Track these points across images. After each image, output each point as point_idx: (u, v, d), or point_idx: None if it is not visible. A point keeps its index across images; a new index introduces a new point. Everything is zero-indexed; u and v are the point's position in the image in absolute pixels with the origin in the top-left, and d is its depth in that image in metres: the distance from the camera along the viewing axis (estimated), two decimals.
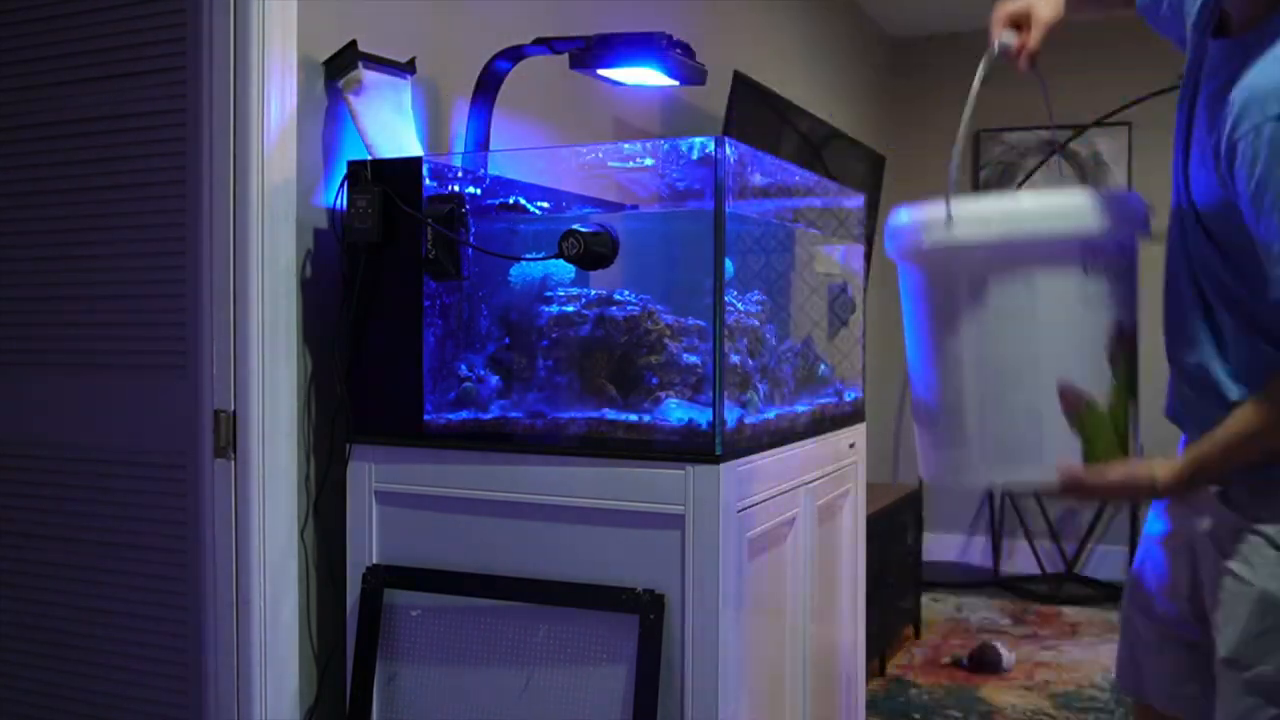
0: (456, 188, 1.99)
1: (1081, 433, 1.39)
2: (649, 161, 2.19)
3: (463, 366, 1.99)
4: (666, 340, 1.89)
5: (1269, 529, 1.43)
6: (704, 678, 1.73)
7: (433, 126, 2.36)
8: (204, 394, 1.95)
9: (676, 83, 2.20)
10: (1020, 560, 5.22)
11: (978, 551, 5.36)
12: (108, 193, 2.06)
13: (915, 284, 1.50)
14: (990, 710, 3.46)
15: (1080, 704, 3.50)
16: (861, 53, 5.16)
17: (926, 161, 4.04)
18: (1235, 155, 1.30)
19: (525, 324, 2.00)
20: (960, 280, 1.43)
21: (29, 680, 2.17)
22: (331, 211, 2.06)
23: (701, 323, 1.88)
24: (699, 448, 1.74)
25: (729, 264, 1.80)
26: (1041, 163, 5.05)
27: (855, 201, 2.59)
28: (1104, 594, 4.79)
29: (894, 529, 3.81)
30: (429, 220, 1.89)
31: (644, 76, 2.21)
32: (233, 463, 1.93)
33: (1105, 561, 5.08)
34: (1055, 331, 1.40)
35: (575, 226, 1.81)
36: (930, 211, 1.43)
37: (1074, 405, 1.39)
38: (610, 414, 1.84)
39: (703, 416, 1.77)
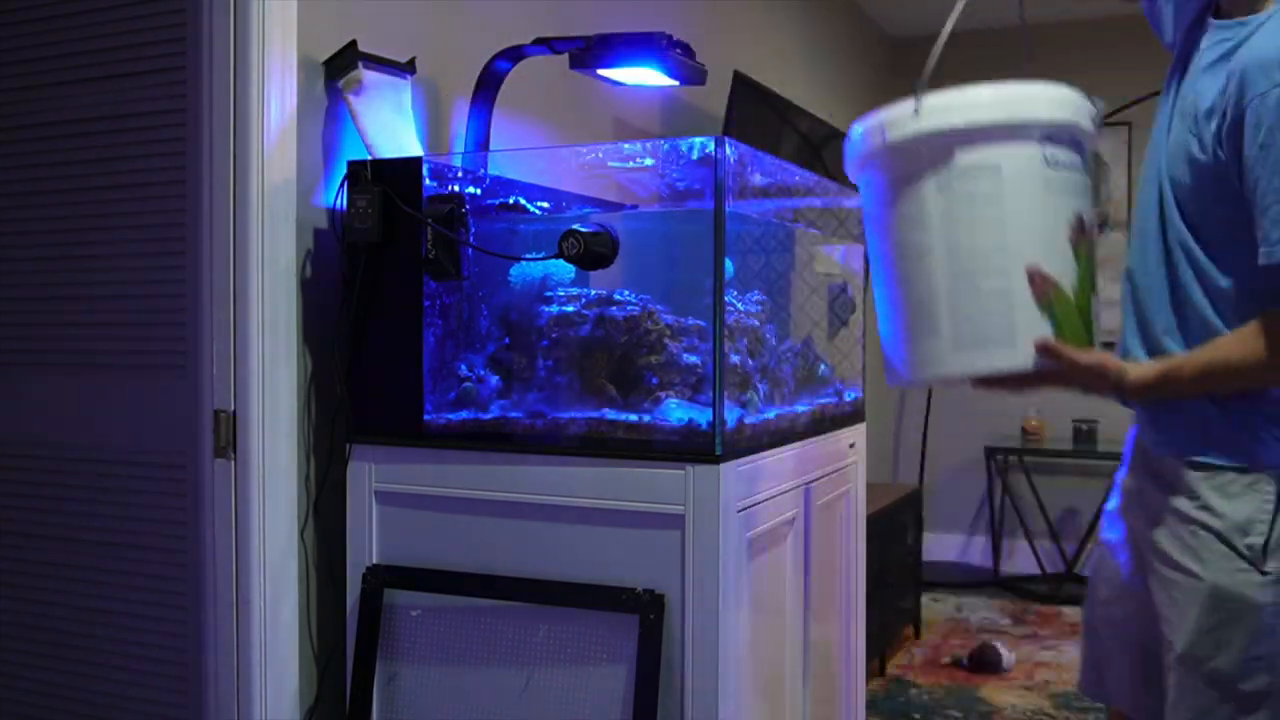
0: (456, 188, 1.99)
1: (1051, 317, 1.42)
2: (649, 161, 2.19)
3: (463, 366, 1.99)
4: (666, 340, 1.89)
5: (1217, 524, 1.47)
6: (704, 678, 1.73)
7: (433, 126, 2.36)
8: (204, 394, 1.95)
9: (676, 83, 2.20)
10: (1020, 560, 5.23)
11: (978, 551, 5.36)
12: (108, 193, 2.06)
13: (880, 188, 1.53)
14: (990, 710, 3.46)
15: (1080, 704, 3.50)
16: (861, 53, 5.16)
17: None
18: (1242, 121, 1.35)
19: (525, 324, 2.00)
20: (927, 171, 1.45)
21: (29, 680, 2.17)
22: (331, 211, 2.06)
23: (701, 323, 1.88)
24: (699, 448, 1.74)
25: (729, 264, 1.80)
26: None
27: (855, 201, 2.59)
28: None
29: (894, 529, 3.81)
30: (429, 220, 1.90)
31: (644, 76, 2.21)
32: (233, 463, 1.93)
33: None
34: (1022, 218, 1.43)
35: (575, 226, 1.81)
36: (892, 110, 1.47)
37: (1043, 290, 1.42)
38: (610, 414, 1.84)
39: (703, 416, 1.77)
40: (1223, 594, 1.46)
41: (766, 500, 1.90)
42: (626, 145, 2.36)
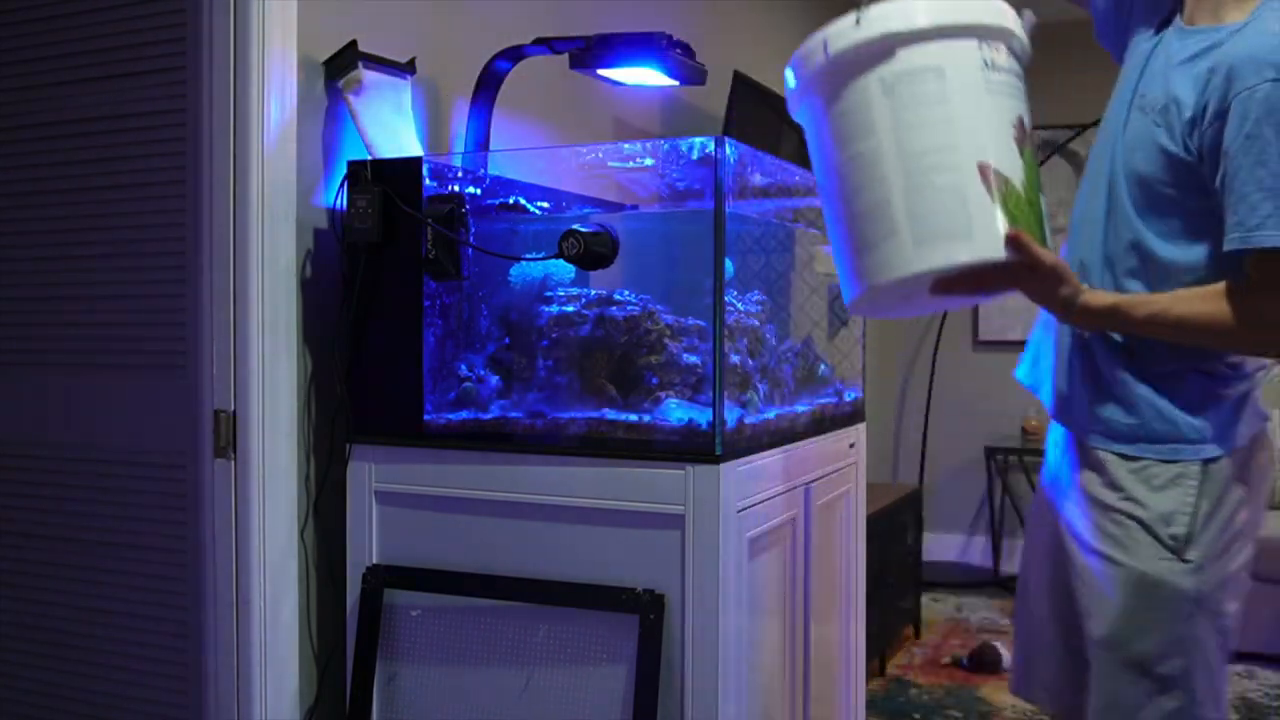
0: (456, 188, 1.99)
1: (1006, 212, 1.44)
2: (649, 161, 2.19)
3: (463, 366, 1.99)
4: (666, 340, 1.89)
5: (1141, 513, 1.53)
6: (704, 678, 1.73)
7: (433, 126, 2.36)
8: (204, 394, 1.95)
9: (676, 83, 2.20)
10: (1020, 560, 5.22)
11: (978, 551, 5.36)
12: (108, 193, 2.06)
13: (825, 108, 1.55)
14: (990, 710, 3.46)
15: None
16: None
17: None
18: (1226, 113, 1.40)
19: (525, 324, 2.00)
20: (871, 79, 1.48)
21: (29, 680, 2.17)
22: (331, 211, 2.06)
23: (701, 323, 1.88)
24: (699, 448, 1.74)
25: (729, 264, 1.80)
26: (1041, 162, 5.06)
27: None
28: None
29: (894, 529, 3.81)
30: (429, 220, 1.90)
31: (644, 76, 2.21)
32: (233, 463, 1.93)
33: None
34: (968, 117, 1.46)
35: (575, 226, 1.81)
36: (833, 26, 1.51)
37: (995, 183, 1.44)
38: (610, 414, 1.84)
39: (703, 416, 1.77)
40: (1146, 581, 1.52)
41: (766, 500, 1.90)
42: (626, 145, 2.36)
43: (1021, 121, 1.51)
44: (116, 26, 2.04)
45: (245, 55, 1.90)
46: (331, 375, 2.02)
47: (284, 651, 1.97)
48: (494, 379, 1.98)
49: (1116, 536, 1.55)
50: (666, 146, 2.24)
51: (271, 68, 1.92)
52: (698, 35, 2.58)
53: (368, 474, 1.96)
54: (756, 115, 3.51)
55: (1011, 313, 5.08)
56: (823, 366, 2.35)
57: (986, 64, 1.47)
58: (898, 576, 3.85)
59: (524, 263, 2.03)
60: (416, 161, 1.95)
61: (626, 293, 1.94)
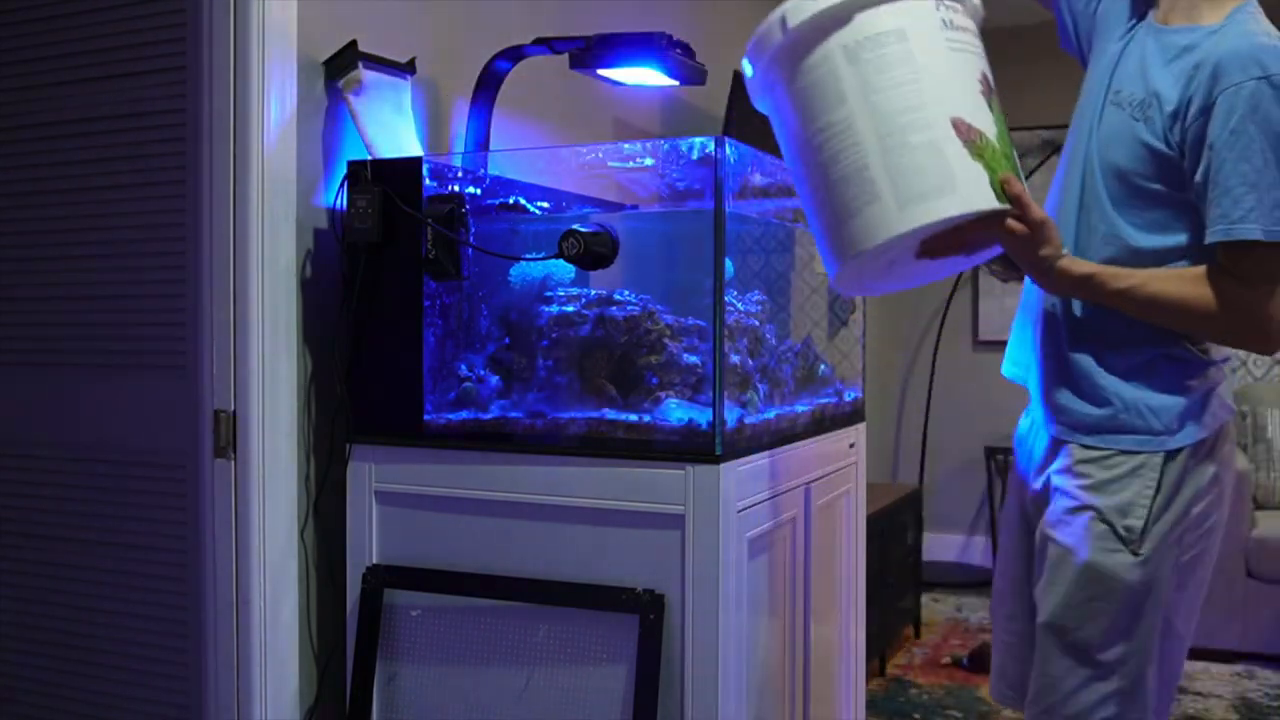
0: (456, 188, 1.99)
1: (983, 162, 1.45)
2: (649, 161, 2.19)
3: (463, 366, 1.99)
4: (666, 340, 1.89)
5: (1100, 503, 1.56)
6: (704, 678, 1.73)
7: (433, 126, 2.36)
8: (204, 394, 1.95)
9: (676, 83, 2.20)
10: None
11: (978, 551, 5.36)
12: (108, 193, 2.06)
13: (789, 87, 1.55)
14: (990, 710, 3.46)
15: None
16: None
17: None
18: (1211, 108, 1.44)
19: (525, 324, 2.00)
20: (834, 48, 1.49)
21: (29, 680, 2.17)
22: (331, 211, 2.06)
23: (701, 323, 1.88)
24: (699, 448, 1.74)
25: (729, 264, 1.80)
26: (1041, 163, 5.05)
27: None
28: None
29: (894, 529, 3.81)
30: (429, 220, 1.89)
31: (644, 76, 2.21)
32: (233, 463, 1.93)
33: None
34: (936, 75, 1.47)
35: (575, 226, 1.81)
36: (784, 4, 1.52)
37: (970, 137, 1.45)
38: (610, 414, 1.84)
39: (703, 416, 1.77)
40: (1096, 571, 1.55)
41: (766, 500, 1.90)
42: (626, 145, 2.36)
43: (985, 77, 1.52)
44: (116, 26, 2.04)
45: (245, 55, 1.90)
46: (331, 375, 2.02)
47: (284, 651, 1.97)
48: (494, 379, 1.98)
49: (1071, 524, 1.58)
50: (666, 146, 2.24)
51: (271, 68, 1.92)
52: (698, 35, 2.58)
53: (368, 474, 1.96)
54: (756, 115, 3.50)
55: (1012, 312, 5.07)
56: (823, 366, 2.35)
57: (945, 24, 1.50)
58: (898, 576, 3.85)
59: (524, 263, 2.03)
60: (416, 161, 1.95)
61: (626, 293, 1.94)
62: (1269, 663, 3.79)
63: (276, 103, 1.93)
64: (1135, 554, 1.54)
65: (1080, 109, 1.65)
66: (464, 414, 1.94)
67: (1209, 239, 1.46)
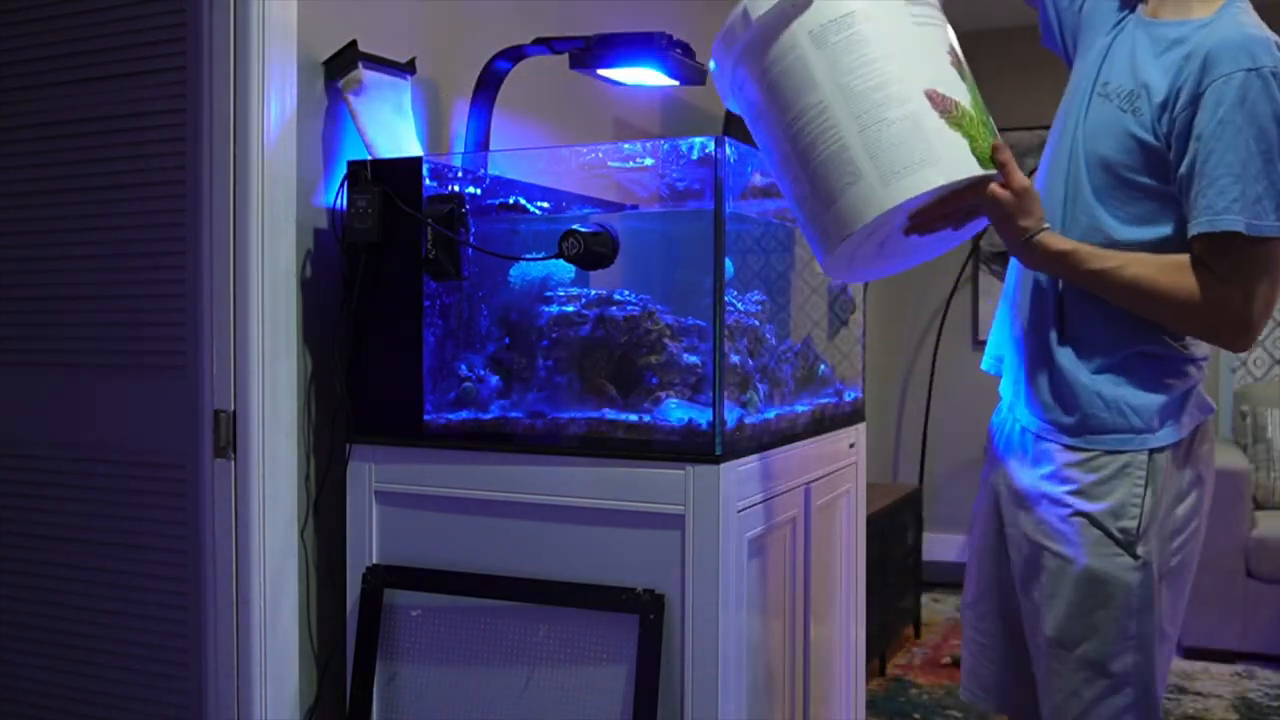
0: (456, 188, 1.99)
1: (961, 131, 1.45)
2: (649, 161, 2.19)
3: (463, 366, 1.99)
4: (666, 340, 1.89)
5: (1090, 508, 1.53)
6: (704, 678, 1.73)
7: (433, 126, 2.36)
8: (204, 394, 1.95)
9: (676, 83, 2.20)
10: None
11: None
12: (108, 193, 2.06)
13: (758, 79, 1.55)
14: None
15: None
16: None
17: None
18: (1200, 99, 1.43)
19: (525, 324, 2.00)
20: (799, 34, 1.49)
21: (29, 680, 2.17)
22: (331, 211, 2.06)
23: (701, 323, 1.88)
24: (699, 448, 1.74)
25: (729, 264, 1.80)
26: None
27: None
28: None
29: (894, 529, 3.81)
30: (429, 220, 1.90)
31: (644, 76, 2.21)
32: (233, 463, 1.93)
33: None
34: (904, 50, 1.48)
35: (575, 226, 1.81)
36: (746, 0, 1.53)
37: (946, 107, 1.46)
38: (610, 414, 1.84)
39: (703, 416, 1.77)
40: (1096, 577, 1.53)
41: (766, 500, 1.90)
42: (626, 145, 2.36)
43: (954, 49, 1.53)
44: (116, 26, 2.04)
45: (245, 55, 1.90)
46: (331, 375, 2.02)
47: (284, 651, 1.97)
48: (494, 379, 1.98)
49: (1064, 533, 1.56)
50: (666, 146, 2.24)
51: (271, 68, 1.92)
52: (698, 35, 2.58)
53: (368, 474, 1.96)
54: None
55: None
56: (823, 366, 2.35)
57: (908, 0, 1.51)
58: (898, 576, 3.85)
59: (524, 263, 2.03)
60: (416, 161, 1.95)
61: (626, 293, 1.94)
62: (1269, 663, 3.79)
63: (276, 103, 1.93)
64: (1135, 557, 1.52)
65: (1066, 103, 1.65)
66: (464, 414, 1.94)
67: (1193, 230, 1.45)
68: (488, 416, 1.92)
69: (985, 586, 1.74)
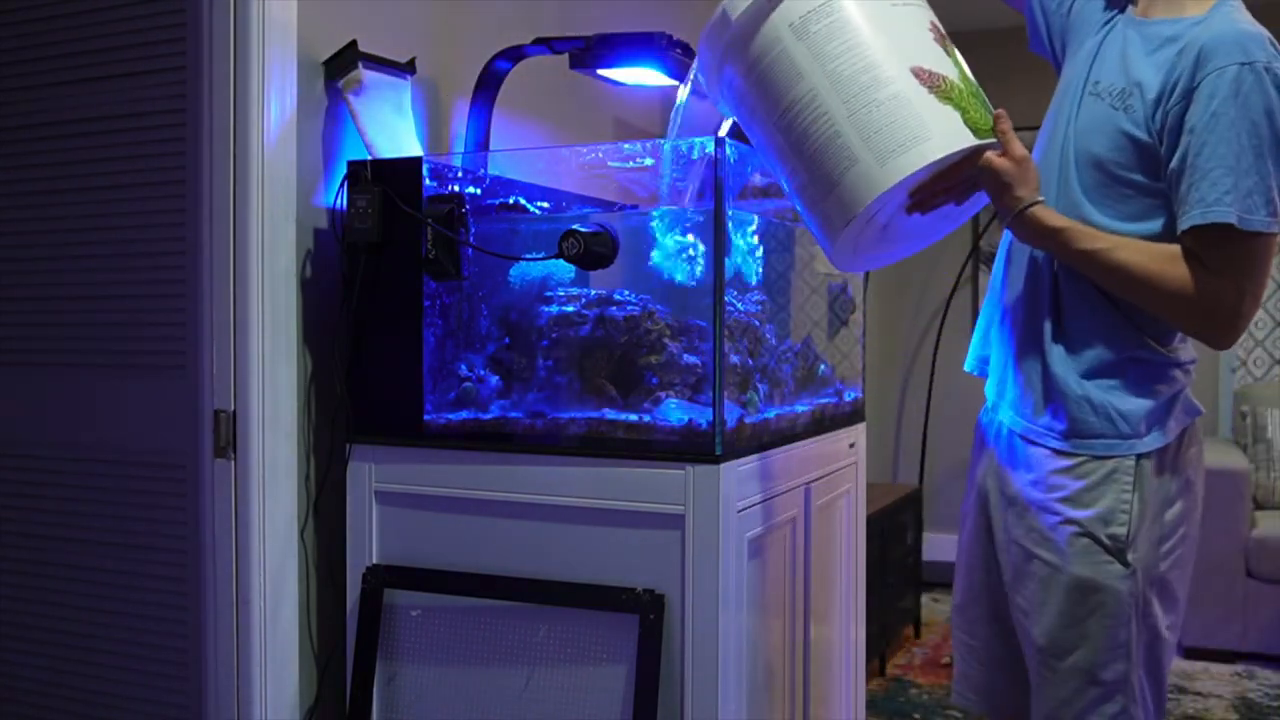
0: (456, 188, 1.99)
1: (952, 104, 1.46)
2: (649, 161, 2.19)
3: (463, 366, 1.99)
4: (666, 340, 1.89)
5: (1079, 515, 1.52)
6: (704, 678, 1.73)
7: (433, 126, 2.36)
8: (204, 394, 1.95)
9: (676, 83, 2.20)
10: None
11: None
12: (108, 193, 2.06)
13: (744, 79, 1.57)
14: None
15: None
16: None
17: None
18: (1193, 93, 1.43)
19: (525, 324, 2.00)
20: (780, 28, 1.51)
21: (29, 680, 2.17)
22: (331, 211, 2.06)
23: (701, 323, 1.88)
24: (699, 448, 1.74)
25: (728, 263, 1.80)
26: None
27: None
28: None
29: (894, 529, 3.81)
30: (429, 220, 1.90)
31: (644, 76, 2.21)
32: (233, 463, 1.93)
33: None
34: (885, 32, 1.49)
35: (575, 226, 1.81)
36: (724, 1, 1.55)
37: (934, 83, 1.47)
38: (610, 414, 1.84)
39: (702, 416, 1.77)
40: (1085, 585, 1.52)
41: (766, 500, 1.90)
42: (626, 145, 2.36)
43: (935, 25, 1.53)
44: (116, 26, 2.04)
45: (245, 55, 1.90)
46: (331, 375, 2.02)
47: (284, 651, 1.97)
48: (494, 379, 1.98)
49: (1053, 540, 1.54)
50: (667, 146, 2.23)
51: (271, 68, 1.92)
52: (697, 35, 2.58)
53: (368, 474, 1.96)
54: None
55: None
56: (823, 366, 2.35)
57: None
58: (898, 576, 3.85)
59: (524, 263, 2.03)
60: (416, 161, 1.95)
61: (626, 293, 1.94)
62: (1269, 663, 3.79)
63: (276, 103, 1.93)
64: (1125, 564, 1.51)
65: (1056, 104, 1.64)
66: (464, 414, 1.94)
67: (1184, 224, 1.44)
68: (488, 416, 1.92)
69: (975, 589, 1.73)
